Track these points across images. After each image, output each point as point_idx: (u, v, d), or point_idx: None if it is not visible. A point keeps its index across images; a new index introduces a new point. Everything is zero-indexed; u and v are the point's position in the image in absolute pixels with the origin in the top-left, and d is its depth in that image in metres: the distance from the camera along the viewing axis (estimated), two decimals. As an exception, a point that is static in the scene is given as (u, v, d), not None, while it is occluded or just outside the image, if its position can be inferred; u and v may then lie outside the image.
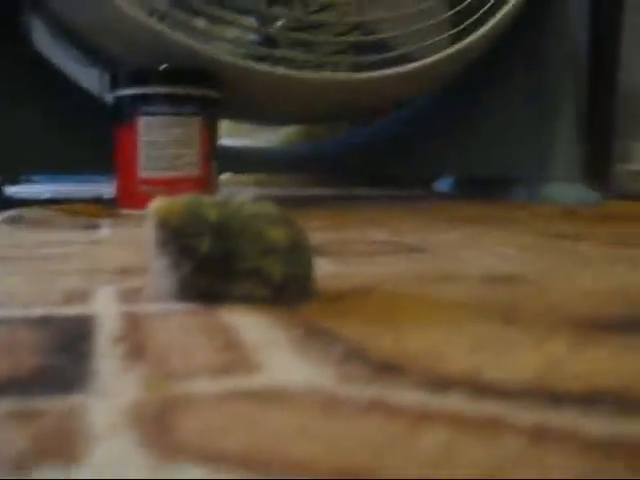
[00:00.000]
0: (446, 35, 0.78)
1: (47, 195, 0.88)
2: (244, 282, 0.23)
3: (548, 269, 0.31)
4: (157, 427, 0.13)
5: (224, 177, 1.10)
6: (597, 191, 0.84)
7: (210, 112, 0.61)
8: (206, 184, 0.62)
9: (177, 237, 0.22)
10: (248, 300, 0.22)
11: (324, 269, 0.31)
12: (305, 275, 0.24)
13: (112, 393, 0.15)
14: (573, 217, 0.62)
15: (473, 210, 0.69)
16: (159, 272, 0.23)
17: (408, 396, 0.14)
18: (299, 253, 0.23)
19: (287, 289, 0.23)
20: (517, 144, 0.92)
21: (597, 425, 0.13)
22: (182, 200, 0.23)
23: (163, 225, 0.22)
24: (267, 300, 0.22)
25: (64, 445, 0.12)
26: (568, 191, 0.83)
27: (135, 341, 0.19)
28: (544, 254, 0.36)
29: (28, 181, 1.23)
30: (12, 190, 0.96)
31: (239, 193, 0.26)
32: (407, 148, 0.94)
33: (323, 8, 0.87)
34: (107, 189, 0.83)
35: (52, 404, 0.14)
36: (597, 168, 0.98)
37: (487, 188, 0.96)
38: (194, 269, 0.22)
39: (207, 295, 0.23)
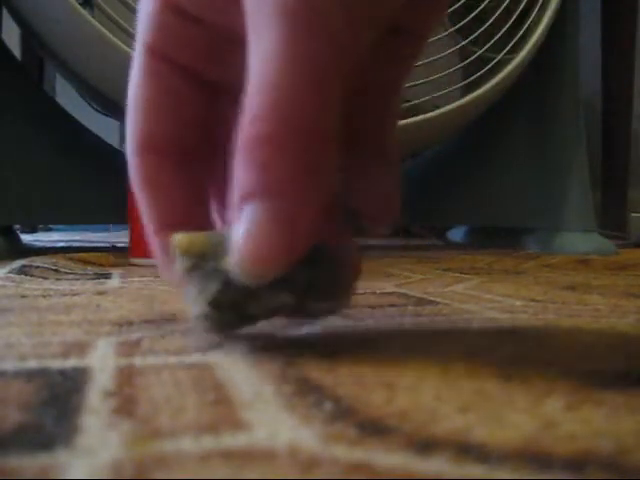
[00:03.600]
0: (457, 86, 0.79)
1: (62, 244, 0.89)
2: (268, 293, 0.23)
3: (553, 322, 0.30)
4: (134, 488, 0.13)
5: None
6: (611, 240, 0.83)
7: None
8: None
9: (201, 262, 0.23)
10: (274, 311, 0.22)
11: (326, 322, 0.30)
12: (331, 279, 0.23)
13: (93, 451, 0.14)
14: (585, 267, 0.61)
15: (484, 260, 0.69)
16: (190, 301, 0.23)
17: (392, 458, 0.14)
18: (322, 260, 0.23)
19: (311, 293, 0.23)
20: (530, 193, 0.92)
21: (586, 491, 0.12)
22: (202, 233, 0.24)
23: (186, 254, 0.23)
24: (292, 307, 0.22)
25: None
26: (581, 241, 0.82)
27: (126, 396, 0.19)
28: (551, 307, 0.35)
29: (45, 230, 1.25)
30: (28, 239, 0.97)
31: None
32: (419, 198, 0.94)
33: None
34: (122, 239, 0.84)
35: (30, 462, 0.13)
36: (611, 217, 0.97)
37: (500, 238, 0.95)
38: (220, 289, 0.22)
39: (235, 314, 0.23)
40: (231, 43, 0.22)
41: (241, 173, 0.20)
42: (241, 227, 0.20)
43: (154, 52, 0.24)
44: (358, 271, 0.26)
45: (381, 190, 0.25)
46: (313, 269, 0.23)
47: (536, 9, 0.83)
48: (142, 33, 0.24)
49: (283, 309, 0.23)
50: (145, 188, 0.25)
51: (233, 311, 0.23)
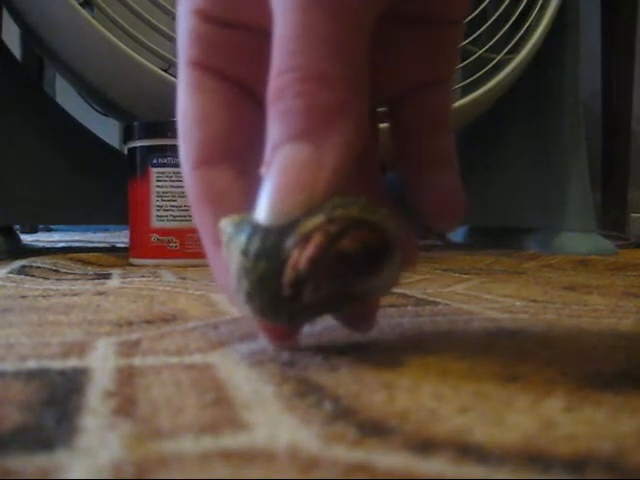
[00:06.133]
0: (458, 86, 0.79)
1: (62, 244, 0.89)
2: (295, 223, 0.21)
3: (553, 323, 0.30)
4: (134, 489, 0.13)
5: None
6: (611, 240, 0.83)
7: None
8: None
9: (241, 226, 0.22)
10: (302, 247, 0.21)
11: (327, 321, 0.30)
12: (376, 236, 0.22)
13: (93, 451, 0.14)
14: (585, 268, 0.61)
15: (484, 260, 0.69)
16: (232, 268, 0.23)
17: (393, 459, 0.14)
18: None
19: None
20: (530, 193, 0.92)
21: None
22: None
23: (229, 222, 0.22)
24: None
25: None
26: (581, 241, 0.82)
27: (126, 396, 0.19)
28: (551, 307, 0.35)
29: (45, 230, 1.25)
30: (28, 239, 0.97)
31: None
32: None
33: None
34: (122, 239, 0.84)
35: (29, 463, 0.13)
36: (611, 217, 0.97)
37: (500, 238, 0.95)
38: (250, 234, 0.22)
39: (267, 262, 0.22)
40: (268, 41, 0.22)
41: (270, 127, 0.20)
42: (268, 173, 0.20)
43: (199, 66, 0.24)
44: (413, 256, 0.26)
45: (442, 190, 0.25)
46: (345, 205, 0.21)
47: (536, 9, 0.83)
48: (184, 50, 0.24)
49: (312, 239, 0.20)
50: (204, 202, 0.24)
51: (264, 258, 0.21)
